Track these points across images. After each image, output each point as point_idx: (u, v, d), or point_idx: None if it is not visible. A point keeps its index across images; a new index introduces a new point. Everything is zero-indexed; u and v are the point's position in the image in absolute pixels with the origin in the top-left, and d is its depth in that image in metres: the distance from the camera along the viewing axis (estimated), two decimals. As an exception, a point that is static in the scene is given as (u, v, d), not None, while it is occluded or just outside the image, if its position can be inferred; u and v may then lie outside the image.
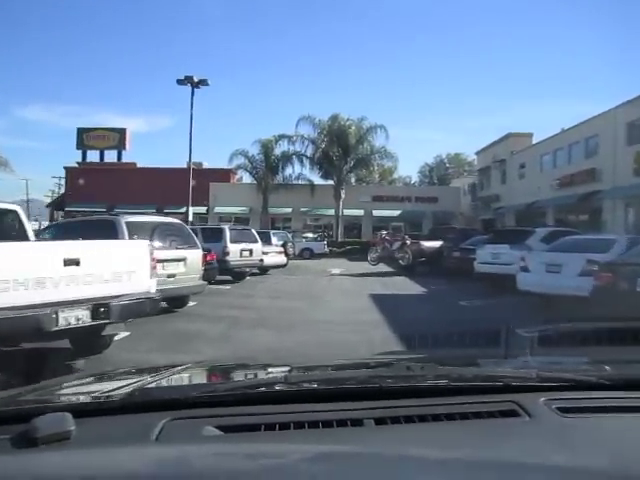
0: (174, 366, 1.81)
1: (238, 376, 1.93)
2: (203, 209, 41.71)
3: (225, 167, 41.75)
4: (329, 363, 2.21)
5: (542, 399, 1.30)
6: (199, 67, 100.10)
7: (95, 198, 42.57)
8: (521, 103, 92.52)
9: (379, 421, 1.19)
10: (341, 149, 37.13)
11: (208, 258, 13.14)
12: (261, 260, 16.83)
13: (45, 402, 1.31)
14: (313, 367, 2.05)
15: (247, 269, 16.37)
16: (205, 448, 1.02)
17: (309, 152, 38.92)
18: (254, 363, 2.23)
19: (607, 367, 1.67)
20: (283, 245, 22.82)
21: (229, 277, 15.97)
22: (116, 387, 1.44)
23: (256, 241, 16.74)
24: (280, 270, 20.54)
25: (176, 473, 0.85)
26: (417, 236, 23.34)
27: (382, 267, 21.09)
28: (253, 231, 17.10)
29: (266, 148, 38.49)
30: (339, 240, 38.24)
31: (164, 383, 1.61)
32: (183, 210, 41.51)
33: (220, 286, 14.39)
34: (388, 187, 48.48)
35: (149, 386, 1.52)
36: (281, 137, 38.81)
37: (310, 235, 35.69)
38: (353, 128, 37.20)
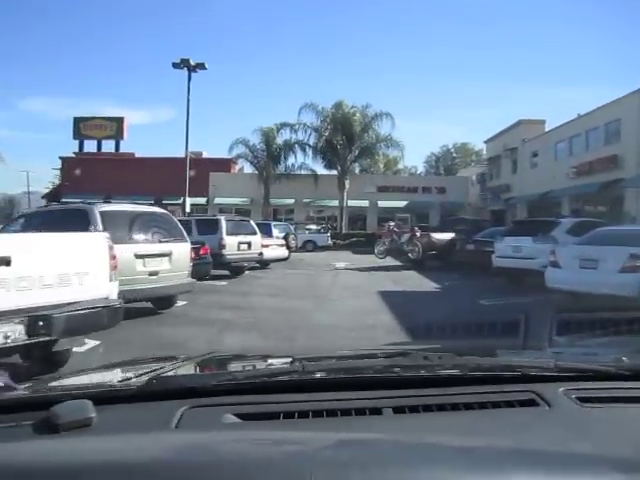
0: (193, 356, 1.83)
1: (256, 365, 1.89)
2: (203, 200, 40.59)
3: (225, 157, 40.51)
4: (347, 353, 2.26)
5: (561, 389, 1.30)
6: (202, 54, 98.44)
7: (92, 189, 41.40)
8: (526, 91, 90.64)
9: (397, 410, 1.19)
10: (345, 137, 35.87)
11: (201, 252, 12.04)
12: (260, 253, 15.69)
13: (65, 390, 1.34)
14: (331, 357, 2.02)
15: (245, 263, 15.23)
16: (224, 435, 1.01)
17: (312, 141, 37.68)
18: (273, 353, 2.20)
19: (626, 357, 1.65)
20: (285, 237, 21.69)
21: (227, 272, 14.89)
22: (135, 375, 1.47)
23: (255, 233, 15.59)
24: (281, 264, 19.45)
25: (196, 460, 0.84)
26: (426, 228, 22.14)
27: (389, 261, 19.94)
28: (252, 222, 15.94)
29: (267, 137, 37.23)
30: (343, 232, 37.06)
31: (182, 371, 1.64)
32: (181, 200, 40.90)
33: (216, 282, 13.29)
34: (394, 177, 47.16)
35: (168, 374, 1.52)
36: (283, 125, 37.55)
37: (313, 227, 34.49)
38: (358, 115, 35.91)
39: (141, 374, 1.47)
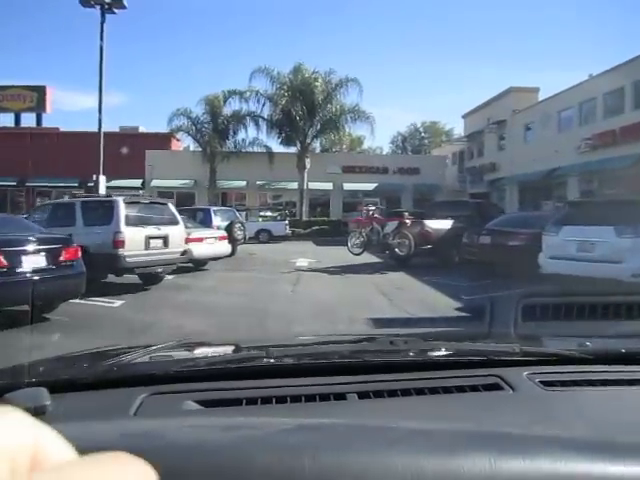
0: (158, 344, 1.77)
1: (220, 352, 1.85)
2: (137, 182, 34.99)
3: (165, 132, 34.90)
4: (313, 339, 2.27)
5: (525, 373, 1.33)
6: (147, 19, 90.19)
7: (5, 170, 35.44)
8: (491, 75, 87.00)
9: (362, 395, 1.20)
10: (305, 108, 30.89)
11: (63, 256, 7.05)
12: (184, 252, 10.72)
13: (20, 377, 1.26)
14: (296, 342, 2.03)
15: (160, 268, 10.14)
16: (184, 421, 1.00)
17: (266, 112, 32.57)
18: (240, 341, 2.09)
19: (591, 341, 1.71)
20: (228, 227, 16.70)
21: (138, 279, 9.96)
22: (96, 363, 1.46)
23: (175, 222, 10.58)
24: (225, 262, 14.71)
25: (154, 446, 0.82)
26: (420, 214, 17.50)
27: (366, 257, 15.22)
28: (170, 206, 10.85)
29: (213, 106, 31.84)
30: (304, 219, 32.26)
31: (144, 359, 1.58)
32: (112, 183, 35.15)
33: (102, 301, 8.37)
34: (361, 156, 42.28)
35: (128, 362, 1.49)
36: (231, 93, 32.19)
37: (269, 214, 29.64)
38: (320, 82, 30.96)
39: (102, 362, 1.46)
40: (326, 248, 22.00)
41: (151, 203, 10.22)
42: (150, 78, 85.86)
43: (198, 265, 13.97)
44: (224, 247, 14.19)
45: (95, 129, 22.77)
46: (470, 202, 17.68)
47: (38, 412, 0.99)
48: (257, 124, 32.80)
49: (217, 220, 17.32)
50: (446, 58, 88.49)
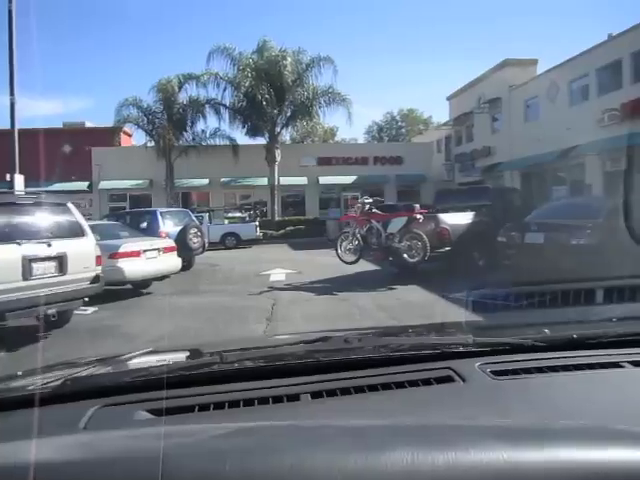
0: (117, 354, 1.78)
1: (174, 359, 1.77)
2: (84, 184, 30.97)
3: (113, 126, 30.88)
4: (269, 341, 2.37)
5: (477, 364, 1.35)
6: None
7: None
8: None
9: (315, 395, 1.22)
10: (273, 92, 27.32)
11: None
12: (95, 278, 7.05)
13: None
14: (251, 347, 2.03)
15: (51, 308, 6.39)
16: (134, 432, 1.02)
17: (228, 99, 28.85)
18: (194, 347, 2.07)
19: (543, 329, 1.71)
20: (181, 234, 13.13)
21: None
22: (47, 379, 1.41)
23: (78, 233, 6.92)
24: (176, 279, 11.25)
25: (103, 458, 0.85)
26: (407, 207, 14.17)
27: (363, 264, 11.75)
28: (71, 209, 7.03)
29: (166, 93, 27.98)
30: (276, 219, 28.74)
31: (99, 371, 1.58)
32: (55, 187, 31.05)
33: None
34: (338, 146, 38.72)
35: (81, 375, 1.49)
36: (186, 78, 28.40)
37: (237, 215, 26.10)
38: (289, 61, 27.39)
39: (53, 377, 1.42)
40: (305, 253, 18.68)
41: (36, 204, 6.50)
42: (109, 75, 79.73)
43: (138, 287, 10.42)
44: (172, 261, 10.60)
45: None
46: (491, 188, 14.37)
47: None
48: (218, 112, 29.14)
49: (167, 225, 13.77)
50: (420, 40, 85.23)
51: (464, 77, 57.78)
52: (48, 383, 1.34)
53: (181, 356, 1.85)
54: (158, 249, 10.23)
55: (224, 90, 28.38)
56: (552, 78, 22.77)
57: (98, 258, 7.01)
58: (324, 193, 32.36)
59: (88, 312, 8.41)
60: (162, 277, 10.47)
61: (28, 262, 6.01)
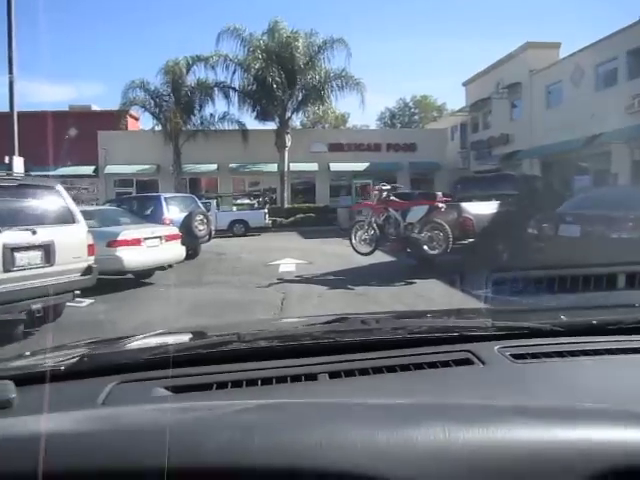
0: (135, 334, 1.75)
1: (192, 338, 1.80)
2: (89, 169, 30.41)
3: (119, 109, 30.17)
4: (286, 321, 2.50)
5: (497, 347, 1.34)
6: None
7: None
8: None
9: (333, 375, 1.22)
10: (284, 74, 26.49)
11: None
12: (88, 269, 6.41)
13: None
14: (268, 326, 2.08)
15: (36, 303, 5.75)
16: (152, 407, 1.02)
17: (237, 82, 28.05)
18: (210, 328, 2.13)
19: (563, 314, 1.74)
20: (186, 221, 12.51)
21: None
22: (66, 356, 1.42)
23: (67, 220, 6.27)
24: (180, 269, 10.68)
25: (121, 432, 0.85)
26: (422, 195, 13.46)
27: (379, 255, 11.04)
28: (60, 191, 6.30)
29: (174, 75, 27.23)
30: (285, 206, 28.06)
31: (115, 349, 1.60)
32: (60, 171, 30.50)
33: None
34: (350, 132, 37.64)
35: (99, 352, 1.53)
36: (195, 59, 27.61)
37: (246, 201, 25.56)
38: (300, 43, 26.55)
39: (72, 354, 1.42)
40: (315, 242, 17.99)
41: (20, 187, 5.82)
42: (120, 60, 78.44)
43: (139, 277, 9.81)
44: (175, 250, 9.95)
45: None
46: (516, 176, 13.59)
47: (3, 406, 0.99)
48: (227, 96, 28.32)
49: (172, 212, 13.08)
50: (435, 30, 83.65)
51: (480, 63, 56.40)
52: (65, 360, 1.34)
53: (197, 336, 1.84)
54: (160, 237, 9.57)
55: (233, 73, 27.61)
56: (577, 62, 21.76)
57: (90, 247, 6.37)
58: (335, 180, 31.61)
59: (83, 305, 7.82)
60: (165, 267, 9.82)
61: (10, 251, 5.36)
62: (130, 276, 9.57)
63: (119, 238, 8.68)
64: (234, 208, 24.53)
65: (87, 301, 7.99)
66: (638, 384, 1.19)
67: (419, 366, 1.25)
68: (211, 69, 27.57)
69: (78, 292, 6.31)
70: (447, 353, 1.32)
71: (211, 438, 0.78)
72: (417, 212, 9.77)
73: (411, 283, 9.00)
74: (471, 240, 9.91)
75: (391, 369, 1.24)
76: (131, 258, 8.76)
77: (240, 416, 0.91)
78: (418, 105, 55.92)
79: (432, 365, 1.26)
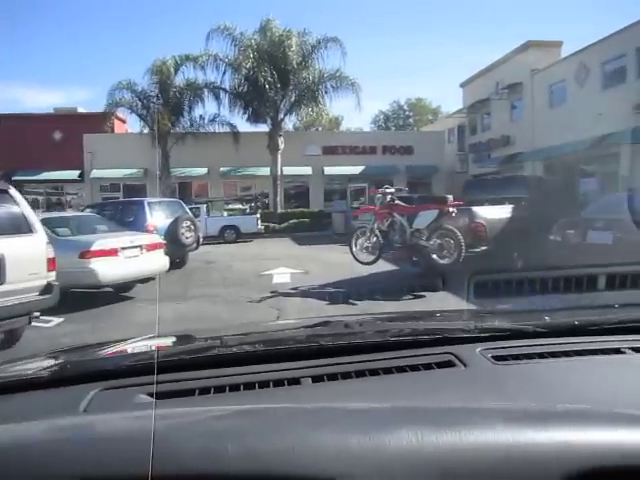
0: (113, 341, 1.76)
1: (176, 343, 1.83)
2: (74, 173, 29.41)
3: (105, 111, 29.16)
4: (270, 326, 2.43)
5: (478, 349, 1.35)
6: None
7: None
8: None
9: (316, 379, 1.22)
10: (276, 75, 25.62)
11: None
12: (47, 288, 5.48)
13: None
14: (252, 331, 2.06)
15: None
16: (134, 414, 1.02)
17: (228, 83, 27.15)
18: (194, 333, 2.09)
19: (545, 315, 1.76)
20: (171, 228, 11.61)
21: None
22: (47, 364, 1.43)
23: (22, 229, 5.34)
24: (165, 279, 9.78)
25: (102, 439, 0.86)
26: (424, 199, 12.68)
27: (381, 264, 10.14)
28: (14, 195, 5.39)
29: (162, 75, 26.30)
30: (278, 211, 27.16)
31: (99, 355, 1.59)
32: (43, 175, 29.48)
33: None
34: (344, 135, 36.61)
35: (83, 359, 1.53)
36: (184, 59, 26.71)
37: (238, 206, 24.85)
38: (293, 42, 25.71)
39: (55, 362, 1.44)
40: (310, 248, 17.16)
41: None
42: (111, 64, 76.80)
43: (118, 291, 8.89)
44: (157, 261, 9.02)
45: None
46: (529, 178, 12.81)
47: None
48: (217, 97, 27.43)
49: (156, 218, 12.15)
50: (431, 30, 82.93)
51: (477, 64, 55.46)
52: (48, 368, 1.34)
53: (181, 341, 1.84)
54: (140, 246, 8.65)
55: (224, 73, 26.71)
56: (582, 60, 21.03)
57: (51, 261, 5.46)
58: (329, 184, 30.83)
59: (50, 325, 6.92)
60: (144, 280, 8.90)
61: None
62: (109, 289, 8.67)
63: (93, 248, 7.76)
64: (225, 213, 23.90)
65: (55, 320, 7.10)
66: (618, 384, 1.19)
67: (402, 369, 1.26)
68: (200, 69, 26.70)
69: (37, 314, 5.38)
70: (429, 355, 1.33)
71: (186, 446, 0.78)
72: (425, 217, 8.89)
73: (420, 297, 8.12)
74: (484, 248, 9.06)
75: (374, 372, 1.24)
76: (107, 270, 7.85)
77: (215, 423, 0.91)
78: (413, 108, 55.25)
79: (414, 368, 1.26)
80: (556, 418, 0.88)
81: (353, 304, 7.79)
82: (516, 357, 1.31)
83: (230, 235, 21.80)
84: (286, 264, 12.53)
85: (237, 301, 8.41)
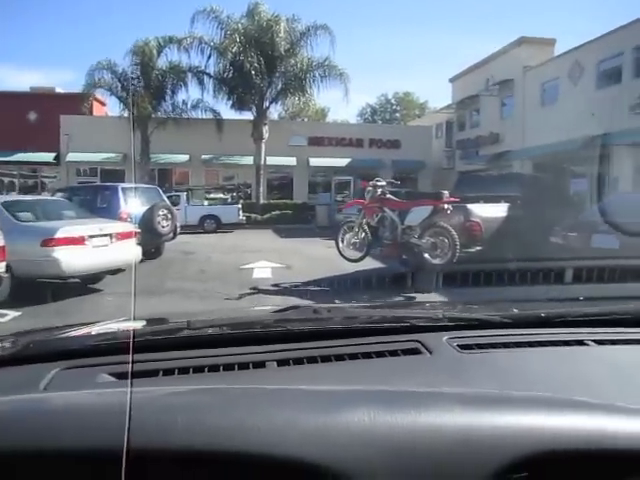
0: (80, 323, 1.72)
1: (144, 325, 1.70)
2: (50, 156, 28.40)
3: (83, 92, 28.13)
4: (237, 311, 2.53)
5: (445, 338, 1.36)
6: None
7: None
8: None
9: (282, 362, 1.22)
10: (263, 61, 24.94)
11: None
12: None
13: None
14: (220, 314, 2.08)
15: None
16: (95, 393, 1.01)
17: (213, 67, 26.38)
18: (163, 315, 2.01)
19: (514, 306, 1.81)
20: (147, 215, 10.98)
21: None
22: (10, 343, 1.38)
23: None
24: (137, 270, 9.44)
25: (61, 418, 0.85)
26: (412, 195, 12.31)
27: (369, 261, 9.62)
28: None
29: (144, 57, 25.42)
30: (261, 202, 26.55)
31: (63, 336, 1.54)
32: (16, 157, 28.43)
33: None
34: (331, 125, 35.97)
35: (47, 338, 1.50)
36: (168, 41, 25.87)
37: (220, 195, 24.39)
38: (282, 27, 25.01)
39: (21, 341, 1.40)
40: (292, 241, 16.66)
41: None
42: (93, 45, 74.56)
43: (86, 282, 8.26)
44: (128, 251, 8.36)
45: None
46: (525, 176, 12.42)
47: None
48: (201, 82, 26.65)
49: (131, 205, 11.47)
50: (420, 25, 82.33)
51: (468, 59, 55.00)
52: (9, 347, 1.32)
53: (149, 323, 1.76)
54: (110, 235, 8.02)
55: (209, 57, 25.99)
56: (577, 58, 20.68)
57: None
58: (314, 176, 30.31)
59: (5, 320, 6.30)
60: (114, 271, 8.27)
61: None
62: (76, 280, 8.04)
63: (57, 235, 7.12)
64: (205, 202, 23.48)
65: (10, 314, 6.47)
66: (578, 375, 1.21)
67: (367, 355, 1.26)
68: (184, 52, 25.93)
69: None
70: (396, 343, 1.33)
71: (138, 420, 0.78)
72: (418, 214, 8.37)
73: (410, 298, 7.62)
74: (478, 248, 8.59)
75: (340, 357, 1.25)
76: (71, 260, 7.22)
77: (169, 399, 0.91)
78: (400, 102, 54.78)
79: (380, 354, 1.26)
80: (514, 403, 0.89)
81: (338, 304, 7.27)
82: (481, 346, 1.32)
83: (210, 225, 21.39)
84: (267, 257, 12.00)
85: (214, 298, 7.85)
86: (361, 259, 9.07)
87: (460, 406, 0.85)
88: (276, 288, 8.62)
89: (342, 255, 9.24)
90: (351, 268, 9.41)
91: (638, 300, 2.16)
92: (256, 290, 8.27)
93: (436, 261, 8.27)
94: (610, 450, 0.79)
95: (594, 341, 1.37)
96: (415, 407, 0.83)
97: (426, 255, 8.30)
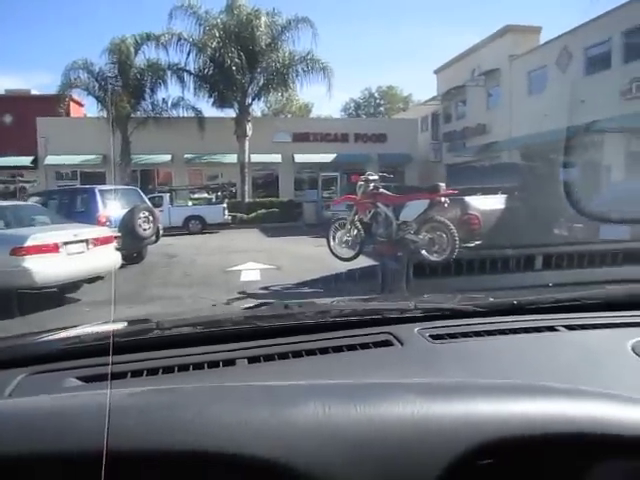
0: (49, 329, 1.63)
1: (115, 328, 1.61)
2: (27, 160, 27.65)
3: (59, 93, 27.38)
4: (209, 309, 2.51)
5: (417, 329, 1.37)
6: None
7: None
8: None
9: (252, 360, 1.22)
10: (244, 56, 24.38)
11: None
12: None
13: None
14: (189, 314, 2.05)
15: None
16: (61, 398, 0.98)
17: (192, 64, 25.77)
18: (132, 318, 1.95)
19: (485, 295, 1.75)
20: (127, 219, 10.47)
21: None
22: None
23: None
24: (118, 277, 8.82)
25: (27, 425, 0.84)
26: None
27: (363, 259, 9.20)
28: None
29: (121, 55, 24.75)
30: (246, 200, 26.04)
31: (29, 341, 1.51)
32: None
33: None
34: (315, 121, 35.44)
35: (13, 343, 1.45)
36: (145, 38, 25.21)
37: (204, 195, 23.93)
38: (262, 22, 24.47)
39: None
40: (280, 240, 16.27)
41: None
42: (72, 47, 73.24)
43: (63, 291, 7.76)
44: (106, 257, 7.88)
45: None
46: (521, 166, 12.04)
47: None
48: (181, 79, 26.00)
49: (110, 207, 10.96)
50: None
51: (452, 50, 54.78)
52: None
53: (116, 325, 1.69)
54: (86, 241, 7.52)
55: (188, 54, 25.31)
56: (564, 45, 20.39)
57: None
58: (300, 173, 29.79)
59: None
60: (92, 279, 7.76)
61: None
62: (53, 290, 7.53)
63: (27, 244, 6.61)
64: (189, 203, 23.06)
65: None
66: (549, 361, 1.21)
67: (339, 349, 1.26)
68: (163, 49, 25.25)
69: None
70: (368, 335, 1.33)
71: (96, 422, 0.78)
72: (414, 208, 7.96)
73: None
74: (477, 242, 8.21)
75: (311, 352, 1.24)
76: (44, 269, 6.72)
77: (138, 399, 0.91)
78: (384, 96, 54.40)
79: (351, 347, 1.26)
80: (478, 390, 0.89)
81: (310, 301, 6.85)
82: (453, 335, 1.33)
83: (195, 226, 21.01)
84: (255, 258, 11.60)
85: (199, 303, 7.38)
86: (354, 257, 8.63)
87: (422, 396, 0.84)
88: (265, 291, 8.19)
89: (334, 254, 8.80)
90: (343, 267, 9.01)
91: (608, 284, 2.18)
92: (245, 294, 7.85)
93: (434, 257, 7.86)
94: (575, 434, 0.78)
95: (565, 326, 1.38)
96: (375, 399, 0.82)
97: (423, 251, 7.89)
